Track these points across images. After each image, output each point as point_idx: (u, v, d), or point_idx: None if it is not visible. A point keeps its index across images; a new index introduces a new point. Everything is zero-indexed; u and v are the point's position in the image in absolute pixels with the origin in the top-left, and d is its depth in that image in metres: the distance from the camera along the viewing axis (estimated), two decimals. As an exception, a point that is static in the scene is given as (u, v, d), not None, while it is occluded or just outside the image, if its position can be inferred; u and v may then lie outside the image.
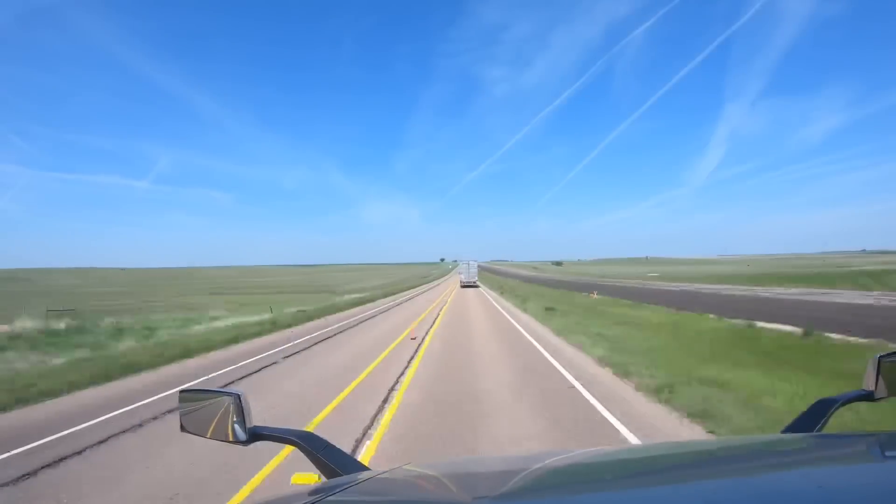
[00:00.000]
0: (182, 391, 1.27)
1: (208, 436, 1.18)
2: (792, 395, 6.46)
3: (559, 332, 14.32)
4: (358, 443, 5.32)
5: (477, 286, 53.48)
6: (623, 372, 8.37)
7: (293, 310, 24.43)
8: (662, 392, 6.81)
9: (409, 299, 37.56)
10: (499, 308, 25.68)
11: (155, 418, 6.52)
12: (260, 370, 9.93)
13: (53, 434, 5.86)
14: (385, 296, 42.35)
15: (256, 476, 4.37)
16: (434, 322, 18.96)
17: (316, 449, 1.07)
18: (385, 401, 7.08)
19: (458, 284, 56.58)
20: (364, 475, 0.94)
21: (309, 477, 1.63)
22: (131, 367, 9.99)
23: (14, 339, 15.16)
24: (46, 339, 15.32)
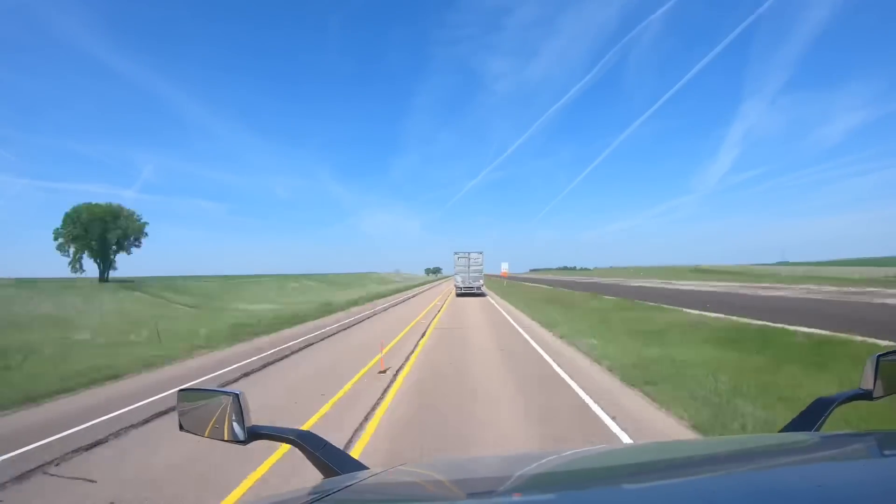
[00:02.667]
0: (181, 390, 1.28)
1: (207, 435, 1.18)
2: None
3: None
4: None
5: (483, 294, 35.24)
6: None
7: None
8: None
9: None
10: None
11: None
12: None
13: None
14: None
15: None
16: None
17: (314, 448, 1.07)
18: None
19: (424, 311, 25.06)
20: (362, 475, 0.94)
21: None
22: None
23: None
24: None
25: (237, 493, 3.93)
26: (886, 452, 0.90)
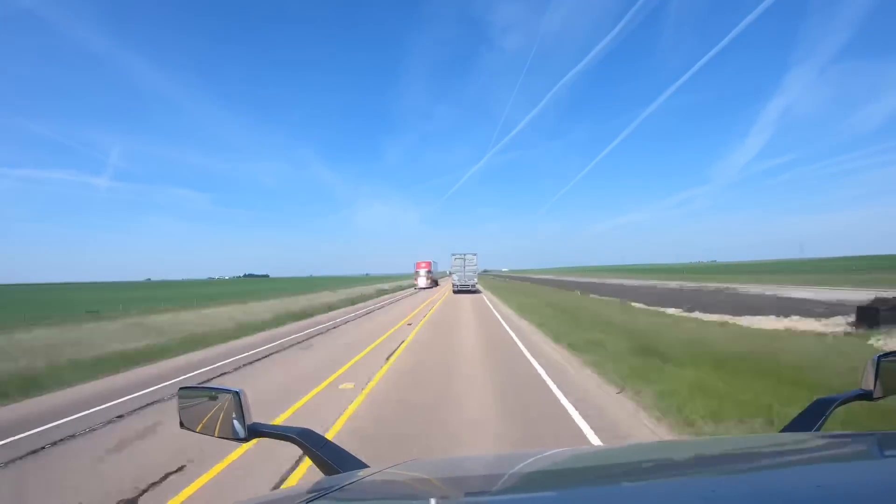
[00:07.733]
0: (181, 388, 1.28)
1: (207, 432, 1.19)
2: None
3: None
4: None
5: (477, 291, 37.45)
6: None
7: None
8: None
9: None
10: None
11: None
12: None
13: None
14: None
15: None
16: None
17: (315, 446, 1.07)
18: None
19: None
20: (362, 473, 0.94)
21: None
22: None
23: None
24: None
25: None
26: (886, 453, 0.90)
